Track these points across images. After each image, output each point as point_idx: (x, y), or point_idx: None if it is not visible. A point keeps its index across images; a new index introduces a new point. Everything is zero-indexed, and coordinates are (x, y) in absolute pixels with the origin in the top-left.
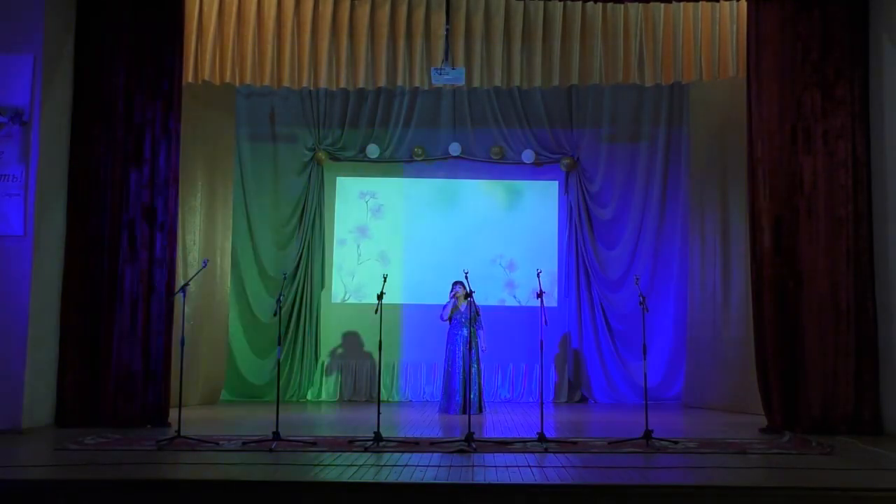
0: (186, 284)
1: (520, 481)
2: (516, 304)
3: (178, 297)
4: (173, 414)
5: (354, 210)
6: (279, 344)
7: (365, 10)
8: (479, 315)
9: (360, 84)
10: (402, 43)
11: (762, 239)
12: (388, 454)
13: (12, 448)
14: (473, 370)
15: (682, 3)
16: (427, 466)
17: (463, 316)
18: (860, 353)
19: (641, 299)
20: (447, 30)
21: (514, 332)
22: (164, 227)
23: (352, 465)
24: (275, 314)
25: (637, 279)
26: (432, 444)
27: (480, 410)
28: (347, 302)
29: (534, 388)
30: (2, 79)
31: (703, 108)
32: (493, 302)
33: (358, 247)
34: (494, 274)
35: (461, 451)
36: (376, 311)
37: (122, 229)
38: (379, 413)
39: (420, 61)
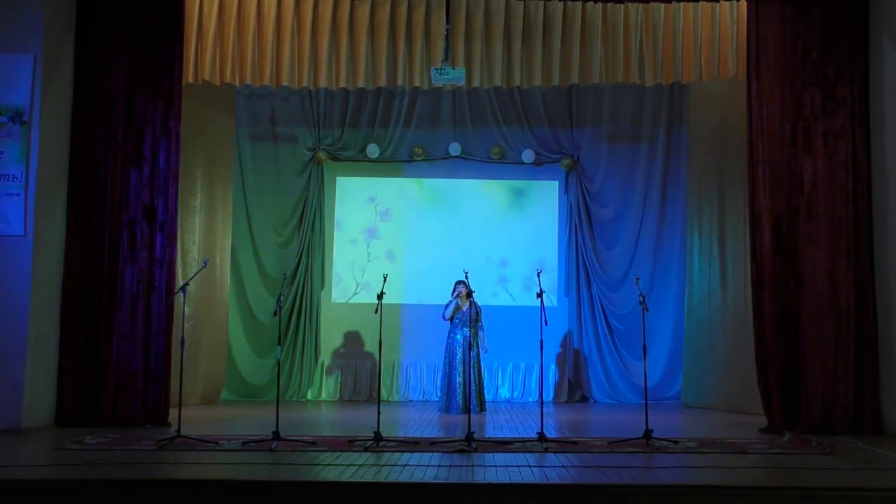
0: (186, 284)
1: (520, 481)
2: (516, 303)
3: (178, 297)
4: (173, 414)
5: (355, 210)
6: (279, 344)
7: (365, 10)
8: (480, 315)
9: (360, 84)
10: (402, 43)
11: (762, 239)
12: (388, 454)
13: (12, 448)
14: (473, 370)
15: (682, 3)
16: (427, 466)
17: (464, 316)
18: (860, 352)
19: (641, 299)
20: (447, 30)
21: (515, 332)
22: (164, 226)
23: (352, 465)
24: (275, 314)
25: (637, 279)
26: (432, 444)
27: (481, 410)
28: (352, 301)
29: (534, 388)
30: (2, 79)
31: (703, 108)
32: (493, 301)
33: (367, 246)
34: (494, 274)
35: (461, 451)
36: (376, 311)
37: (122, 229)
38: (379, 413)
39: (420, 61)
